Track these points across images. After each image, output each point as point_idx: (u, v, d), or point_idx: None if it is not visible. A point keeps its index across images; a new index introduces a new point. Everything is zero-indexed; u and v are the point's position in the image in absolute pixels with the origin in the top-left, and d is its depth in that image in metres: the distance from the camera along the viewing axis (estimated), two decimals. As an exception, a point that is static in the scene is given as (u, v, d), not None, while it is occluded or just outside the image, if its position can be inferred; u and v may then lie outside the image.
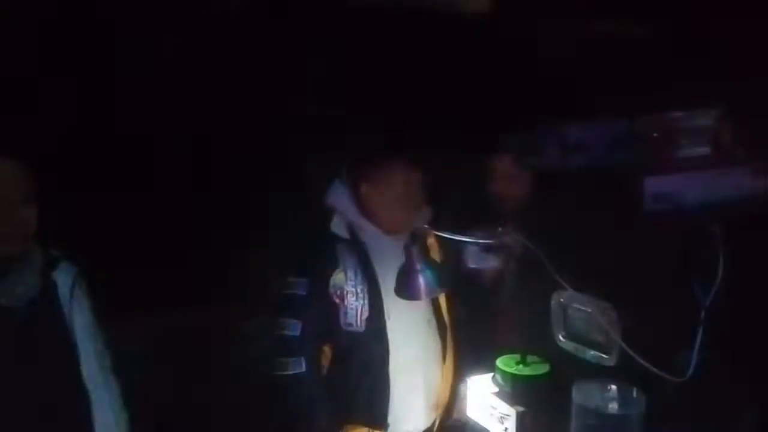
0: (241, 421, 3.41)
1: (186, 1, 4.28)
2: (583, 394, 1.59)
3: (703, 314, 1.53)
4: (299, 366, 2.15)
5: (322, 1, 4.36)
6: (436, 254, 2.30)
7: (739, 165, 1.77)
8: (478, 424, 1.90)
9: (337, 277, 2.16)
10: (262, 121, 4.30)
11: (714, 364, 1.55)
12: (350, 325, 2.16)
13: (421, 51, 4.10)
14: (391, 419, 2.20)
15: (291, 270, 2.20)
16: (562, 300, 1.81)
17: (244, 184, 4.13)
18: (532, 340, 1.91)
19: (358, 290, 2.17)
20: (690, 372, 1.52)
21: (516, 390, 1.84)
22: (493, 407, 1.84)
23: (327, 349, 2.21)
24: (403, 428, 2.27)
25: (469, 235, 2.22)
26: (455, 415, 2.18)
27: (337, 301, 2.16)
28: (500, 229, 1.96)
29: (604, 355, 1.70)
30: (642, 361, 1.53)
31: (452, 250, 2.27)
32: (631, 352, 1.56)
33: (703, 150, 1.83)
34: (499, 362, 1.92)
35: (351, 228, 2.20)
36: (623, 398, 1.57)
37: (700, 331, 1.53)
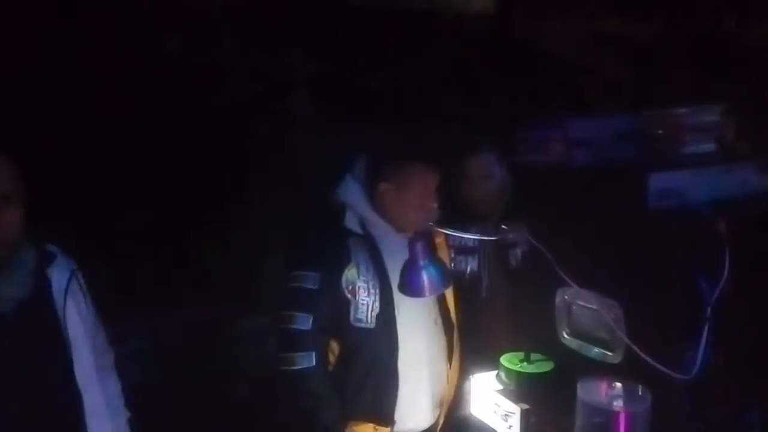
0: (248, 419, 3.41)
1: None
2: (587, 392, 1.58)
3: (708, 311, 1.52)
4: (309, 361, 2.11)
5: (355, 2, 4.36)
6: (443, 251, 2.30)
7: (745, 161, 1.76)
8: (482, 421, 1.90)
9: (350, 272, 2.14)
10: (275, 116, 4.29)
11: (719, 361, 1.55)
12: (360, 321, 2.14)
13: (427, 51, 4.10)
14: (397, 416, 2.20)
15: (302, 263, 2.17)
16: (566, 297, 1.81)
17: (256, 179, 4.12)
18: (537, 337, 1.90)
19: (370, 286, 2.15)
20: (695, 369, 1.51)
21: (520, 388, 1.84)
22: (497, 405, 1.83)
23: (334, 345, 2.19)
24: (408, 426, 2.26)
25: (470, 232, 2.23)
26: (460, 413, 2.18)
27: (349, 296, 2.14)
28: (505, 227, 1.95)
29: (609, 353, 1.70)
30: (647, 359, 1.52)
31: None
32: (636, 350, 1.55)
33: (709, 146, 1.83)
34: (504, 360, 1.92)
35: (363, 223, 2.20)
36: (628, 396, 1.56)
37: (706, 328, 1.52)
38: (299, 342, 2.12)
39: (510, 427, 1.78)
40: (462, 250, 2.49)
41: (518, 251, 2.36)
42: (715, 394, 1.56)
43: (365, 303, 2.14)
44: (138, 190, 3.91)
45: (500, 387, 1.88)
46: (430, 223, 2.10)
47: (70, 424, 1.81)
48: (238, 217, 4.08)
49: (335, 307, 2.13)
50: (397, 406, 2.18)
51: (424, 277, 1.98)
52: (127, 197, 3.90)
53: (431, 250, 2.09)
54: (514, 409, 1.77)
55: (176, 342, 3.64)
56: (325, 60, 4.41)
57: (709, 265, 1.54)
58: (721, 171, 1.73)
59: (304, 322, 2.11)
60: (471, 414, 1.96)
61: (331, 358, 2.19)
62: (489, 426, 1.87)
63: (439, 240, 2.28)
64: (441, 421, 2.33)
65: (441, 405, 2.31)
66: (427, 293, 2.02)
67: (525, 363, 1.88)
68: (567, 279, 1.69)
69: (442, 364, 2.29)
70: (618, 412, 1.54)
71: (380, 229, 2.19)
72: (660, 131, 1.88)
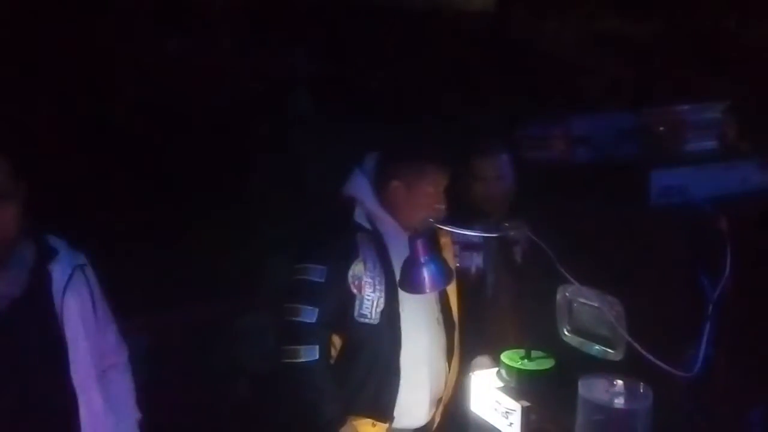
0: (248, 418, 3.40)
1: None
2: (589, 389, 1.58)
3: (710, 309, 1.52)
4: (312, 354, 2.10)
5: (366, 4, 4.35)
6: (448, 250, 2.30)
7: (746, 158, 1.76)
8: (482, 419, 1.89)
9: (357, 267, 2.14)
10: (280, 115, 4.29)
11: (721, 358, 1.54)
12: (364, 316, 2.14)
13: (433, 51, 4.10)
14: (396, 412, 2.20)
15: (310, 256, 2.17)
16: (567, 294, 1.80)
17: (267, 178, 4.12)
18: (538, 334, 1.90)
19: (376, 282, 2.15)
20: (697, 367, 1.50)
21: (521, 385, 1.83)
22: (497, 402, 1.83)
23: (336, 340, 2.19)
24: (406, 422, 2.26)
25: (473, 230, 2.22)
26: (460, 410, 2.17)
27: (354, 291, 2.13)
28: (506, 224, 1.95)
29: (610, 350, 1.69)
30: (649, 356, 1.52)
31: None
32: (637, 347, 1.54)
33: (710, 144, 1.83)
34: (504, 357, 1.91)
35: (371, 219, 2.20)
36: (630, 393, 1.56)
37: (707, 325, 1.52)
38: (303, 335, 2.11)
39: (510, 424, 1.78)
40: (468, 245, 2.48)
41: (520, 248, 2.36)
42: (717, 391, 1.56)
43: (370, 299, 2.13)
44: (139, 189, 3.90)
45: (501, 384, 1.88)
46: (431, 220, 2.10)
47: (64, 424, 1.76)
48: (241, 214, 4.08)
49: (340, 302, 2.12)
50: (396, 402, 2.18)
51: (425, 273, 1.97)
52: (129, 195, 3.90)
53: (432, 247, 2.08)
54: (515, 407, 1.77)
55: (176, 341, 3.63)
56: (331, 60, 4.41)
57: (710, 263, 1.54)
58: (723, 168, 1.73)
59: (310, 314, 2.10)
60: (471, 411, 1.95)
61: (333, 353, 2.19)
62: (489, 423, 1.86)
63: (445, 240, 2.29)
64: (437, 419, 2.33)
65: (438, 403, 2.32)
66: (426, 290, 2.02)
67: (526, 360, 1.88)
68: (568, 276, 1.68)
69: (442, 363, 2.29)
70: (619, 410, 1.54)
71: (388, 225, 2.19)
72: (662, 128, 1.88)
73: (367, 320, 2.13)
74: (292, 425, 2.22)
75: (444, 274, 2.02)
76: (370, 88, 4.15)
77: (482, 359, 2.22)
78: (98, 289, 1.85)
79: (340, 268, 2.13)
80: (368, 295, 2.13)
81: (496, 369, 1.93)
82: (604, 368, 1.65)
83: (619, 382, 1.57)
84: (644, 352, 1.53)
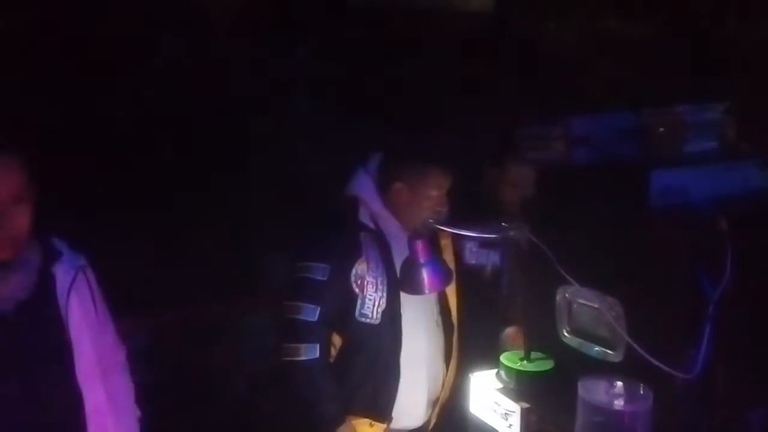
0: (247, 418, 3.40)
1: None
2: (588, 391, 1.57)
3: (710, 310, 1.51)
4: (313, 353, 2.10)
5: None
6: (448, 252, 2.30)
7: (747, 159, 1.75)
8: (482, 420, 1.89)
9: (360, 267, 2.14)
10: (280, 115, 4.29)
11: (721, 360, 1.54)
12: (365, 316, 2.14)
13: (433, 50, 4.10)
14: (394, 413, 2.20)
15: (313, 254, 2.16)
16: (567, 295, 1.80)
17: (271, 172, 4.11)
18: (537, 335, 1.89)
19: (378, 282, 2.15)
20: (697, 368, 1.50)
21: (520, 386, 1.83)
22: (497, 404, 1.82)
23: (336, 339, 2.19)
24: (403, 423, 2.26)
25: (473, 230, 2.22)
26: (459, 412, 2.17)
27: (357, 290, 2.13)
28: (505, 224, 1.95)
29: (610, 351, 1.69)
30: (649, 357, 1.51)
31: (448, 249, 2.28)
32: (637, 348, 1.54)
33: (711, 144, 1.82)
34: (503, 358, 1.91)
35: (374, 219, 2.20)
36: (629, 394, 1.55)
37: (708, 326, 1.51)
38: (305, 333, 2.11)
39: (510, 426, 1.77)
40: (485, 243, 2.46)
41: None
42: (717, 392, 1.55)
43: (372, 298, 2.13)
44: (139, 189, 3.90)
45: (500, 385, 1.87)
46: (431, 222, 2.10)
47: (70, 423, 1.78)
48: (241, 215, 4.08)
49: (342, 300, 2.12)
50: (396, 402, 2.18)
51: (424, 274, 1.97)
52: (128, 195, 3.89)
53: (432, 248, 2.08)
54: (514, 408, 1.76)
55: (175, 341, 3.63)
56: (330, 60, 4.41)
57: (710, 263, 1.53)
58: (723, 169, 1.72)
59: (311, 313, 2.10)
60: (470, 413, 1.95)
61: (333, 352, 2.19)
62: (489, 425, 1.86)
63: (445, 241, 2.28)
64: (433, 420, 2.33)
65: (436, 403, 2.32)
66: (426, 290, 2.02)
67: (525, 361, 1.87)
68: (568, 277, 1.68)
69: (441, 364, 2.29)
70: (619, 411, 1.53)
71: (390, 225, 2.20)
72: (661, 129, 1.87)
73: (368, 320, 2.13)
74: (292, 424, 2.22)
75: (443, 275, 2.02)
76: (372, 88, 4.15)
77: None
78: (98, 290, 1.87)
79: (343, 266, 2.13)
80: (370, 295, 2.13)
81: (496, 370, 1.93)
82: (604, 369, 1.64)
83: (619, 383, 1.57)
84: (644, 353, 1.52)
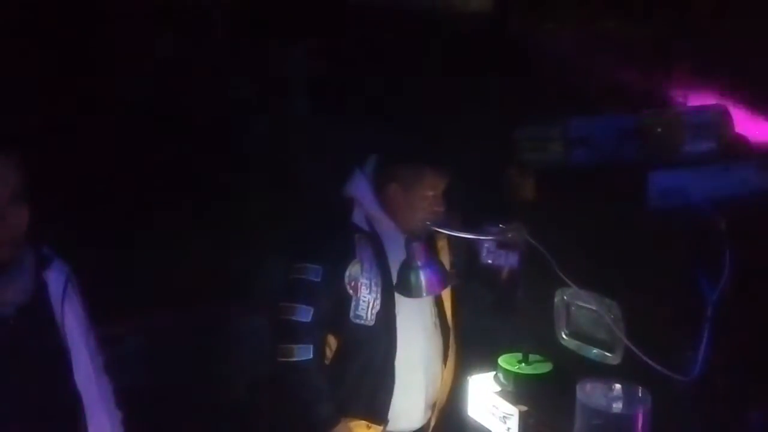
0: (247, 417, 3.40)
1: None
2: (587, 393, 1.56)
3: (709, 311, 1.50)
4: (307, 353, 2.10)
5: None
6: (445, 254, 2.29)
7: (746, 160, 1.74)
8: (480, 423, 1.88)
9: (353, 268, 2.14)
10: (277, 115, 4.28)
11: (720, 361, 1.53)
12: (360, 317, 2.14)
13: (434, 51, 4.09)
14: (390, 415, 2.19)
15: (306, 255, 2.16)
16: (565, 297, 1.79)
17: (262, 172, 4.10)
18: (535, 338, 1.88)
19: (372, 284, 2.15)
20: (696, 370, 1.49)
21: (519, 389, 1.82)
22: (495, 407, 1.82)
23: (331, 340, 2.19)
24: (401, 425, 2.25)
25: (472, 233, 2.21)
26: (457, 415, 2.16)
27: (350, 292, 2.14)
28: (503, 226, 1.94)
29: (609, 353, 1.68)
30: (647, 360, 1.50)
31: (465, 247, 2.26)
32: (635, 350, 1.53)
33: (709, 145, 1.81)
34: (501, 361, 1.90)
35: (369, 220, 2.20)
36: (628, 397, 1.54)
37: (707, 328, 1.50)
38: (298, 334, 2.12)
39: (508, 429, 1.77)
40: (502, 244, 2.45)
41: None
42: (716, 395, 1.54)
43: (366, 300, 2.13)
44: (138, 189, 3.89)
45: (498, 388, 1.87)
46: (428, 223, 2.09)
47: (71, 426, 1.80)
48: (241, 215, 4.07)
49: (336, 302, 2.12)
50: (391, 405, 2.18)
51: (422, 277, 1.96)
52: (126, 196, 3.89)
53: (429, 251, 2.07)
54: (513, 411, 1.75)
55: (174, 342, 3.62)
56: (327, 60, 4.40)
57: (709, 265, 1.52)
58: (722, 169, 1.71)
59: (305, 314, 2.10)
60: (469, 416, 1.94)
61: (328, 353, 2.19)
62: (487, 428, 1.85)
63: (442, 243, 2.28)
64: (432, 423, 2.33)
65: (434, 406, 2.31)
66: (423, 293, 2.01)
67: (523, 364, 1.87)
68: (566, 279, 1.67)
69: (439, 366, 2.28)
70: (617, 414, 1.52)
71: (386, 227, 2.19)
72: (660, 130, 1.87)
73: (362, 321, 2.13)
74: (290, 425, 2.22)
75: (440, 278, 2.01)
76: (368, 88, 4.14)
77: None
78: (82, 295, 1.88)
79: (337, 268, 2.13)
80: (364, 297, 2.13)
81: (494, 373, 1.92)
82: (603, 372, 1.63)
83: (618, 386, 1.56)
84: (642, 356, 1.51)
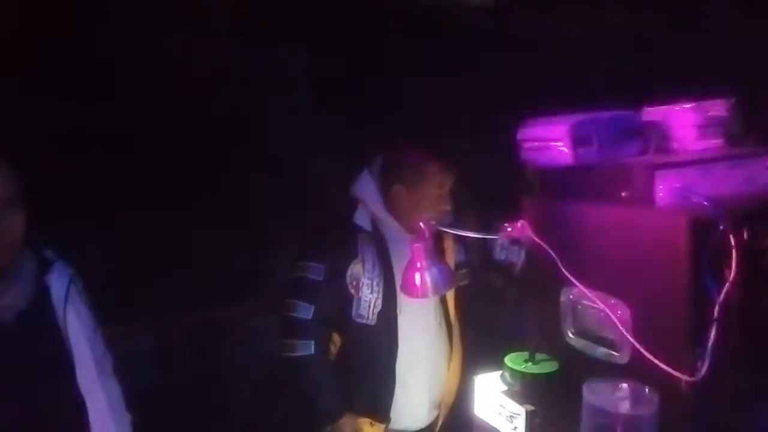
0: (252, 416, 3.41)
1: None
2: (593, 393, 1.56)
3: (716, 311, 1.49)
4: (308, 349, 2.16)
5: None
6: (451, 254, 2.29)
7: (752, 157, 1.73)
8: (487, 422, 1.88)
9: (355, 268, 2.17)
10: (280, 115, 4.28)
11: (728, 362, 1.52)
12: (361, 316, 2.17)
13: (434, 47, 4.08)
14: (393, 413, 2.21)
15: (309, 254, 2.20)
16: (571, 296, 1.78)
17: (265, 173, 4.11)
18: (541, 337, 1.88)
19: (374, 283, 2.17)
20: (703, 370, 1.48)
21: (525, 388, 1.82)
22: (502, 406, 1.81)
23: (336, 338, 2.22)
24: (405, 423, 2.27)
25: (476, 232, 2.20)
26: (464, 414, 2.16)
27: (352, 291, 2.16)
28: (508, 226, 1.93)
29: (615, 353, 1.67)
30: (654, 359, 1.50)
31: (478, 244, 2.26)
32: (642, 350, 1.52)
33: (715, 142, 1.80)
34: (508, 360, 1.90)
35: (373, 221, 2.21)
36: (635, 397, 1.54)
37: (713, 328, 1.49)
38: (299, 330, 2.17)
39: (515, 428, 1.76)
40: (515, 240, 2.44)
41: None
42: (724, 395, 1.54)
43: (368, 299, 2.16)
44: (139, 191, 3.90)
45: (505, 388, 1.86)
46: (433, 223, 2.09)
47: (75, 429, 1.80)
48: (242, 215, 4.08)
49: (338, 300, 2.16)
50: (394, 403, 2.20)
51: (427, 278, 1.96)
52: (130, 198, 3.89)
53: (435, 252, 2.07)
54: (519, 410, 1.75)
55: (179, 343, 3.63)
56: (330, 59, 4.39)
57: (716, 264, 1.51)
58: (728, 167, 1.70)
59: (306, 311, 2.15)
60: (475, 415, 1.94)
61: (333, 350, 2.21)
62: (494, 427, 1.85)
63: (448, 243, 2.28)
64: (440, 422, 2.33)
65: (439, 406, 2.31)
66: (429, 294, 2.01)
67: (530, 363, 1.86)
68: (571, 278, 1.66)
69: (442, 366, 2.29)
70: (624, 414, 1.52)
71: (391, 228, 2.20)
72: (665, 127, 1.86)
73: (364, 321, 2.16)
74: (296, 422, 2.24)
75: (446, 279, 2.00)
76: (371, 87, 4.13)
77: None
78: (88, 298, 1.88)
79: (339, 267, 2.15)
80: (365, 296, 2.15)
81: (500, 372, 1.92)
82: (609, 371, 1.63)
83: (624, 385, 1.55)
84: (649, 356, 1.51)
